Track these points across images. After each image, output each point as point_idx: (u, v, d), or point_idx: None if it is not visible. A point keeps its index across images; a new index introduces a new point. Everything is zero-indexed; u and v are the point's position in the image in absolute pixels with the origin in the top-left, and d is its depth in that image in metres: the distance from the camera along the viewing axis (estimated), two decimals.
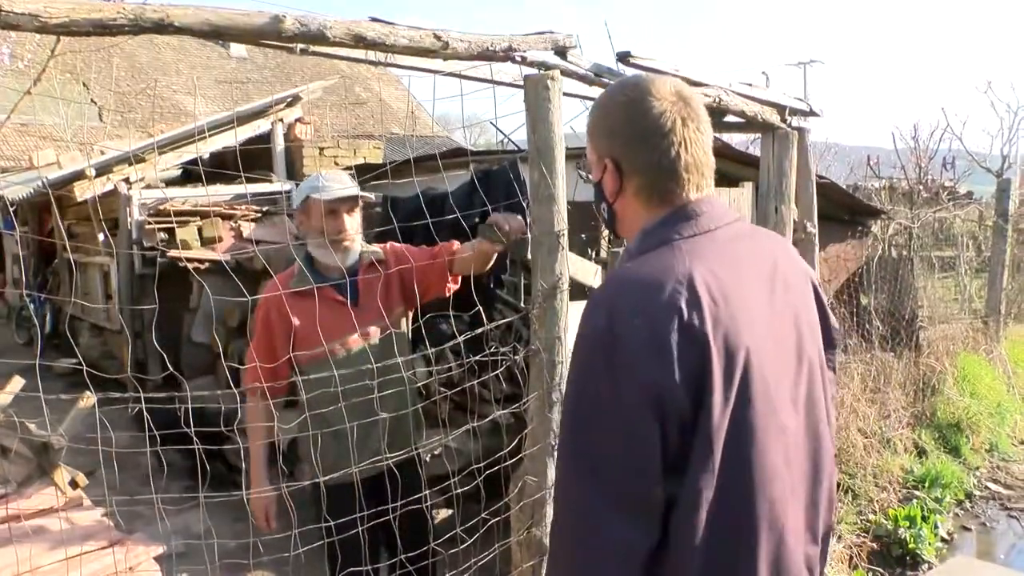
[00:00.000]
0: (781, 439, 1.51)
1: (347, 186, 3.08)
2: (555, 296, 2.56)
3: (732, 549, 1.47)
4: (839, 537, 4.83)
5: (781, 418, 1.52)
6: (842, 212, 7.53)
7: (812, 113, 4.07)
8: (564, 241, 2.56)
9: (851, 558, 4.72)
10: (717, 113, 3.96)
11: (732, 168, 6.40)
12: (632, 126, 1.57)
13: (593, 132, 1.67)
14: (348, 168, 9.38)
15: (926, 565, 4.88)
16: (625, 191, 1.61)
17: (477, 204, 4.92)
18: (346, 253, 3.07)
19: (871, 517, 5.19)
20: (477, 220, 5.02)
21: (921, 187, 13.73)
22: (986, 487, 6.25)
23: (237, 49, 22.97)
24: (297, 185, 9.30)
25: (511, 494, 2.79)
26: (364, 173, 8.94)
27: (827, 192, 6.47)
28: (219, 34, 2.25)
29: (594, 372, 1.45)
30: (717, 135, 5.52)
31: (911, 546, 4.92)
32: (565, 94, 3.87)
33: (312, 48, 2.64)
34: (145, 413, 1.84)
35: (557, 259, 2.55)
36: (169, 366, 2.35)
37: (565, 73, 2.68)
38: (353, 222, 3.09)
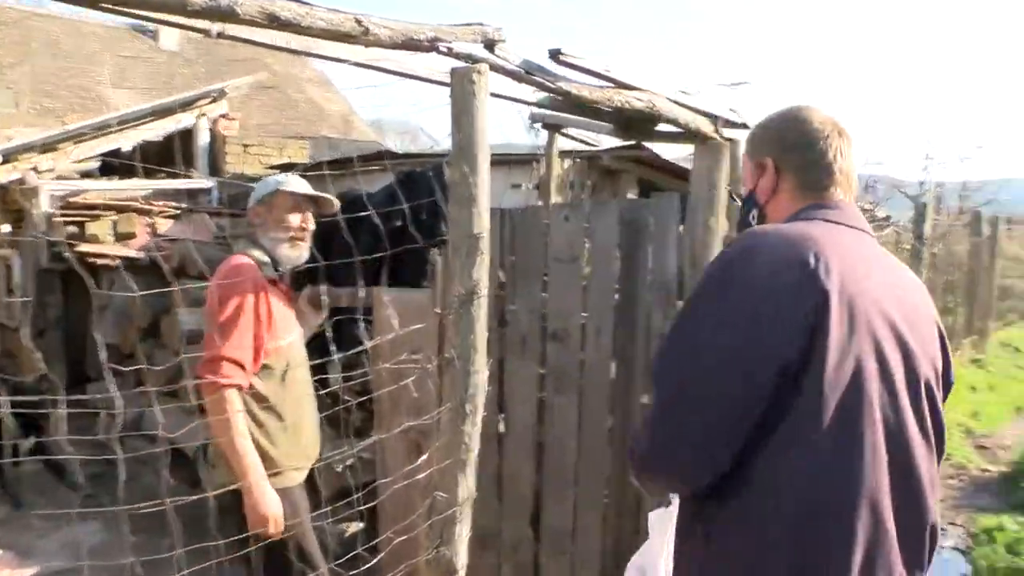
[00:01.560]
0: (893, 438, 1.50)
1: (310, 189, 3.22)
2: (472, 302, 2.41)
3: (825, 529, 1.45)
4: None
5: (902, 418, 1.51)
6: None
7: (743, 126, 3.99)
8: (484, 245, 2.42)
9: None
10: (649, 121, 3.86)
11: (661, 180, 6.35)
12: (795, 131, 1.79)
13: (754, 142, 1.89)
14: (273, 168, 9.16)
15: None
16: (780, 190, 1.78)
17: (399, 212, 4.76)
18: (301, 252, 3.15)
19: None
20: (398, 223, 4.88)
21: None
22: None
23: (167, 42, 22.30)
24: (220, 182, 9.09)
25: (421, 510, 2.64)
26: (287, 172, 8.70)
27: None
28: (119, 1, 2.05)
29: (706, 295, 1.56)
30: (648, 144, 5.46)
31: None
32: (494, 95, 3.74)
33: (228, 31, 2.45)
34: (6, 421, 1.63)
35: (475, 263, 2.41)
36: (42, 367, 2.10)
37: (494, 68, 2.54)
38: (312, 223, 3.20)
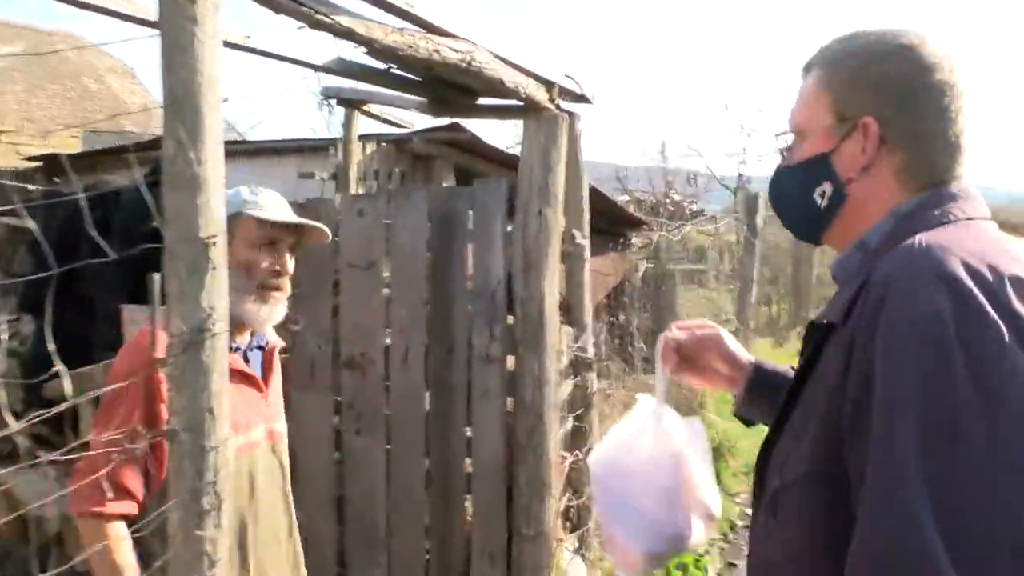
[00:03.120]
0: None
1: (289, 211, 2.12)
2: (202, 344, 1.57)
3: None
4: None
5: None
6: (601, 221, 7.00)
7: (583, 98, 3.31)
8: (219, 255, 1.58)
9: None
10: (468, 91, 3.10)
11: (483, 167, 5.64)
12: (916, 78, 1.20)
13: (845, 80, 1.25)
14: (34, 158, 7.98)
15: None
16: (877, 168, 1.22)
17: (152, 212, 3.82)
18: (274, 309, 2.08)
19: None
20: (157, 224, 3.93)
21: (668, 201, 13.88)
22: (746, 514, 5.91)
23: None
24: None
25: None
26: (53, 165, 7.49)
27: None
28: None
29: (950, 389, 0.98)
30: (459, 119, 4.72)
31: None
32: (268, 55, 2.91)
33: None
34: None
35: (205, 284, 1.56)
36: None
37: None
38: (291, 266, 2.11)
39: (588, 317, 3.71)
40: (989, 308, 1.00)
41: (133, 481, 1.89)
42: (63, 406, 1.71)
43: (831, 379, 1.12)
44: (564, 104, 3.15)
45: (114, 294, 3.69)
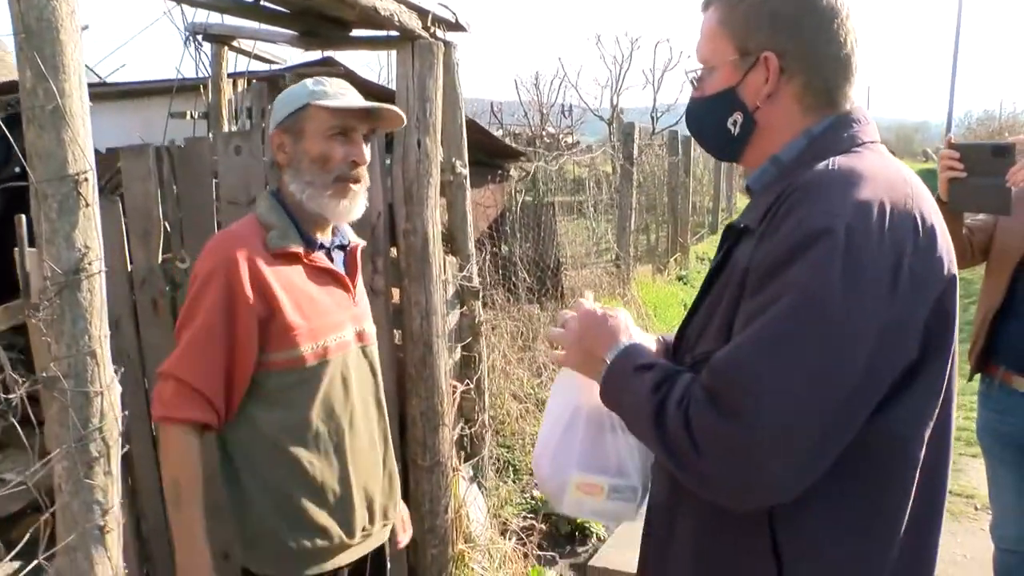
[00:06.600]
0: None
1: (359, 97, 2.00)
2: (78, 285, 1.51)
3: (928, 530, 1.33)
4: (504, 522, 4.23)
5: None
6: (479, 153, 6.95)
7: (458, 26, 3.27)
8: (90, 192, 1.52)
9: (525, 544, 4.12)
10: (340, 23, 3.03)
11: None
12: (807, 9, 1.32)
13: (741, 20, 1.35)
14: None
15: (594, 537, 4.47)
16: (779, 94, 1.35)
17: (14, 156, 3.61)
18: (353, 202, 1.98)
19: (536, 494, 4.67)
20: (17, 170, 3.72)
21: (544, 133, 13.90)
22: None
23: None
24: None
25: None
26: None
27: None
28: None
29: (824, 284, 1.15)
30: (332, 52, 4.59)
31: (579, 520, 4.46)
32: None
33: None
34: None
35: (77, 222, 1.50)
36: None
37: None
38: (368, 155, 2.00)
39: (472, 246, 3.71)
40: (872, 240, 1.15)
41: (212, 386, 1.82)
42: None
43: (738, 270, 1.26)
44: (439, 33, 3.11)
45: None
